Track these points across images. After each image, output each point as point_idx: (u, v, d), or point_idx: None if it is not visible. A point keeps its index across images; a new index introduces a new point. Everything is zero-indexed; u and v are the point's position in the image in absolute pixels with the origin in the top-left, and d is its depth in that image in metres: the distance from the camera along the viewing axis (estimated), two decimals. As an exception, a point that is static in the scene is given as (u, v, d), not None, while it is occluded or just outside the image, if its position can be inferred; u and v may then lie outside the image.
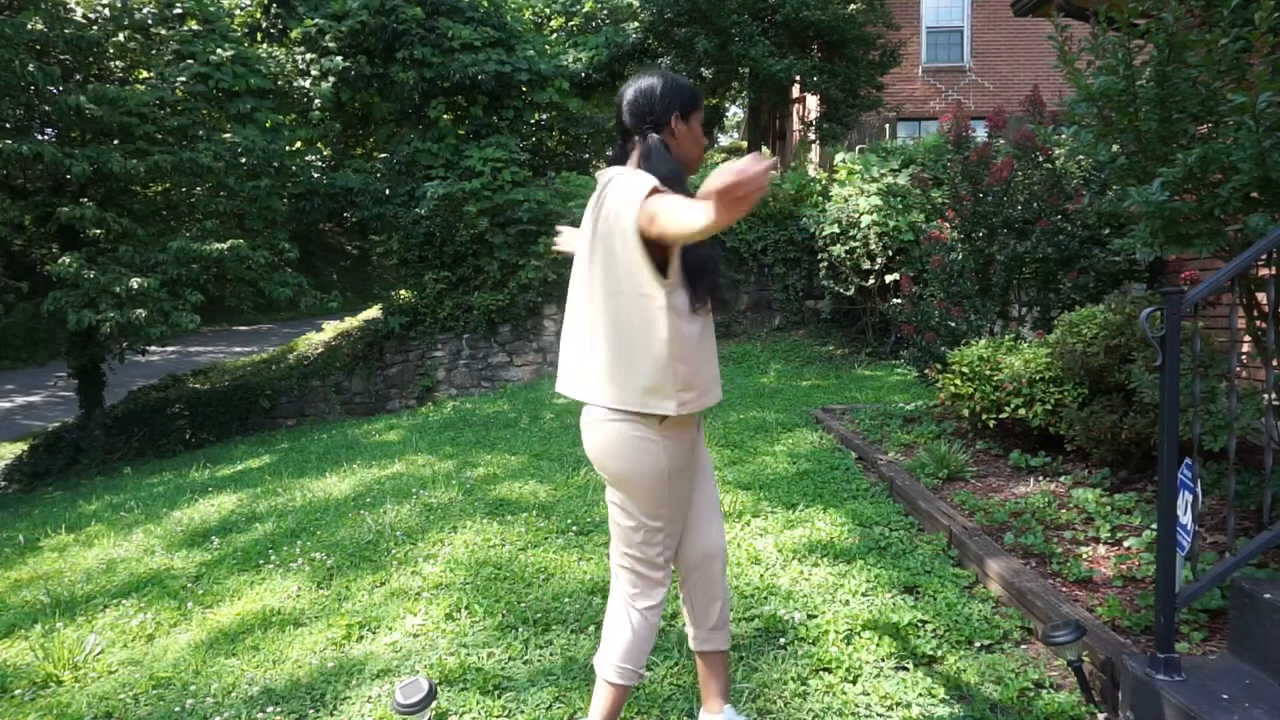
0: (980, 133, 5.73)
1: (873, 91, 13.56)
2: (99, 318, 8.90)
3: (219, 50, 10.61)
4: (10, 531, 5.81)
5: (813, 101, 14.37)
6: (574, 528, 3.87)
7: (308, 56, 12.15)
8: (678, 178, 1.84)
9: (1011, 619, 2.65)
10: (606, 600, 3.01)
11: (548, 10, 16.24)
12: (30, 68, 8.94)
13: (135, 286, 9.00)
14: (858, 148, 10.19)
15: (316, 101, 12.14)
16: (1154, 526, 2.52)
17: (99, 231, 9.94)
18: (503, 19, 12.70)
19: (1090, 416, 3.54)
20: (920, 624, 2.65)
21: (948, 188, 5.53)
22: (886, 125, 15.72)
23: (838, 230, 9.32)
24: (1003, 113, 5.37)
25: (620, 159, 1.97)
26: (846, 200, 9.40)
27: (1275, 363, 2.25)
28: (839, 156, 10.41)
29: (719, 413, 6.17)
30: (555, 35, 15.72)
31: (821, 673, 2.43)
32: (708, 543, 2.06)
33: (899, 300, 6.20)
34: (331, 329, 13.06)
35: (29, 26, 9.17)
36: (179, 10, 10.87)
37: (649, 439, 1.87)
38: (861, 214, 9.08)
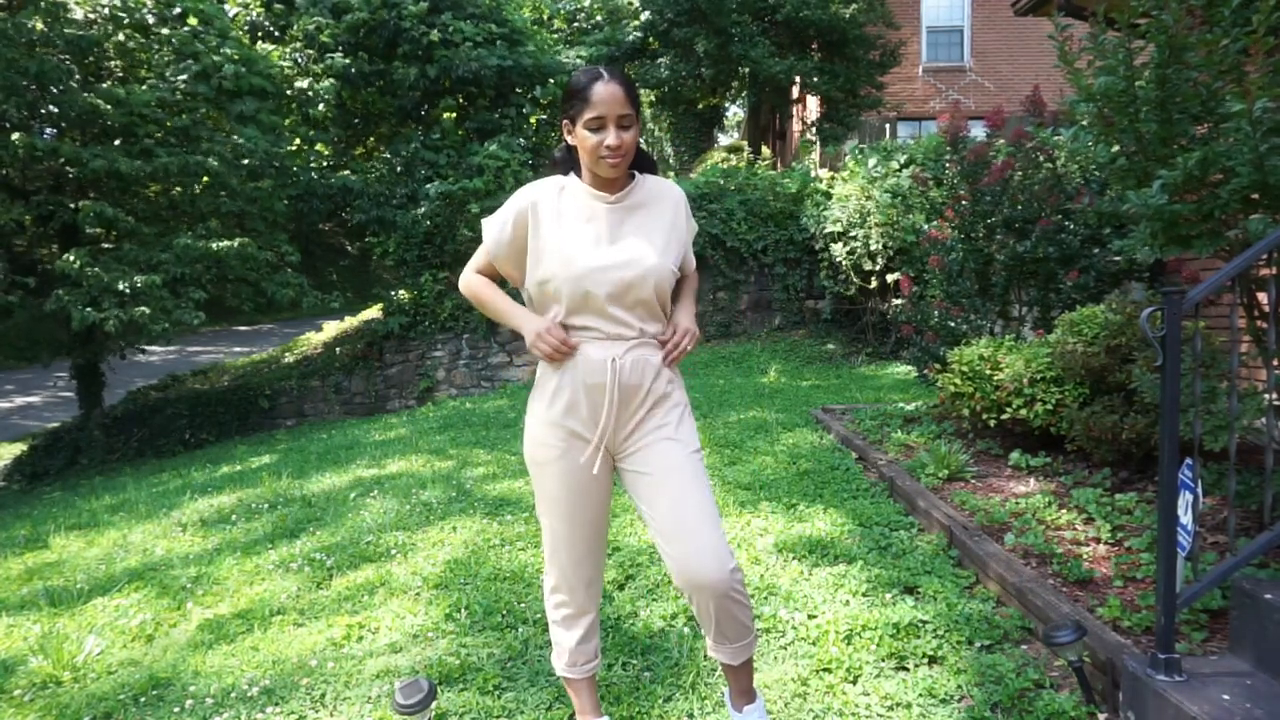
0: (979, 132, 5.72)
1: (873, 91, 13.56)
2: (102, 316, 8.91)
3: (221, 50, 10.61)
4: (10, 531, 5.81)
5: (813, 101, 14.38)
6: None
7: (309, 53, 12.15)
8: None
9: (1011, 619, 2.65)
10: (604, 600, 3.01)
11: (547, 13, 16.25)
12: (48, 66, 8.96)
13: (139, 283, 9.02)
14: (858, 146, 10.18)
15: (320, 104, 12.13)
16: (1155, 526, 2.52)
17: (101, 230, 9.96)
18: (503, 16, 12.72)
19: (1091, 416, 3.53)
20: (920, 624, 2.64)
21: (946, 187, 5.53)
22: (887, 125, 15.72)
23: (840, 229, 9.30)
24: (1002, 112, 5.37)
25: None
26: (849, 199, 9.39)
27: (1276, 362, 2.25)
28: (847, 157, 10.41)
29: (719, 413, 6.16)
30: (557, 35, 15.74)
31: (821, 673, 2.43)
32: (682, 570, 1.86)
33: (899, 300, 6.20)
34: (331, 329, 13.06)
35: (30, 25, 9.17)
36: (178, 9, 10.87)
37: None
38: (869, 212, 9.07)
